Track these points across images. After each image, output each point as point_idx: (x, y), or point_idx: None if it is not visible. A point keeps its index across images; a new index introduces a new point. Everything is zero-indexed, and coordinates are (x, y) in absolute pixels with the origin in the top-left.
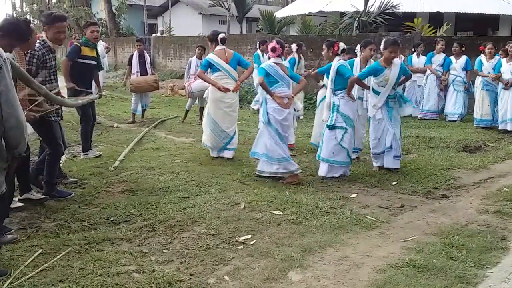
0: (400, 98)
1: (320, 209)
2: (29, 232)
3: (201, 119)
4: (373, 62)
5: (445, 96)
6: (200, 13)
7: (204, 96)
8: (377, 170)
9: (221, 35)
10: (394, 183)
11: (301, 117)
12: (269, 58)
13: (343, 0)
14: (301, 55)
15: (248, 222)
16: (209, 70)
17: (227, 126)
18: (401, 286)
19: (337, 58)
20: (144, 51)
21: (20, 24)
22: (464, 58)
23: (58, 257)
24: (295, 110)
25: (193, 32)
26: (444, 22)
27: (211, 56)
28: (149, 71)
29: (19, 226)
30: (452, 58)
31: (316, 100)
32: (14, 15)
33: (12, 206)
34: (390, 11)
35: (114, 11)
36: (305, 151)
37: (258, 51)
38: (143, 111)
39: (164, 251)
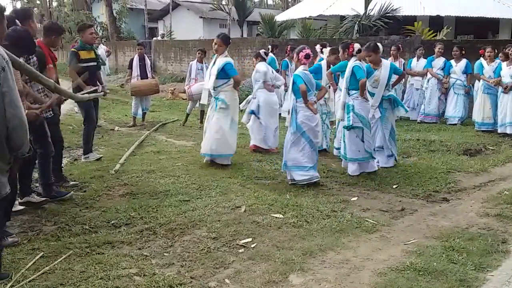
0: (394, 101)
1: (321, 212)
2: (30, 235)
3: (201, 122)
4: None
5: (446, 99)
6: (201, 17)
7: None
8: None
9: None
10: (394, 186)
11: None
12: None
13: (343, 3)
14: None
15: (248, 225)
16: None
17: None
18: None
19: (353, 58)
20: (145, 55)
21: (24, 36)
22: (464, 61)
23: (59, 260)
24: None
25: (193, 35)
26: (444, 25)
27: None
28: (149, 74)
29: (20, 229)
30: (452, 61)
31: None
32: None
33: (13, 209)
34: (391, 14)
35: (115, 15)
36: None
37: (271, 55)
38: (144, 114)
39: (165, 254)
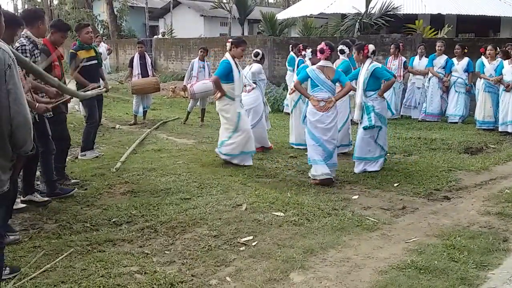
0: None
1: (322, 210)
2: (31, 233)
3: (202, 120)
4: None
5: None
6: (202, 15)
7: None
8: None
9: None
10: (395, 184)
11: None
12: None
13: (344, 2)
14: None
15: (249, 223)
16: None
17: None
18: (403, 287)
19: (368, 60)
20: (145, 53)
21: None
22: (466, 60)
23: (60, 258)
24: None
25: (194, 34)
26: (445, 24)
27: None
28: (150, 73)
29: (21, 227)
30: (454, 60)
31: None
32: None
33: (14, 207)
34: (392, 13)
35: (115, 13)
36: (306, 153)
37: (292, 54)
38: (145, 112)
39: (166, 252)
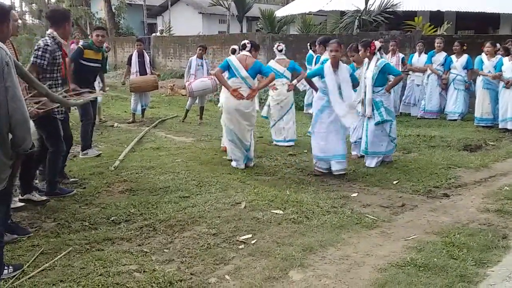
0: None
1: (321, 208)
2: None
3: (201, 118)
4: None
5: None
6: (200, 12)
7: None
8: (356, 158)
9: (242, 42)
10: (395, 182)
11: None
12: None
13: None
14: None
15: (248, 221)
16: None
17: (243, 136)
18: (402, 285)
19: (375, 56)
20: (144, 51)
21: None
22: (465, 57)
23: (58, 256)
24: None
25: (193, 31)
26: (444, 20)
27: (231, 59)
28: (148, 71)
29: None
30: (453, 57)
31: None
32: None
33: (12, 206)
34: (391, 10)
35: (113, 10)
36: (305, 151)
37: (311, 52)
38: (143, 110)
39: (165, 250)
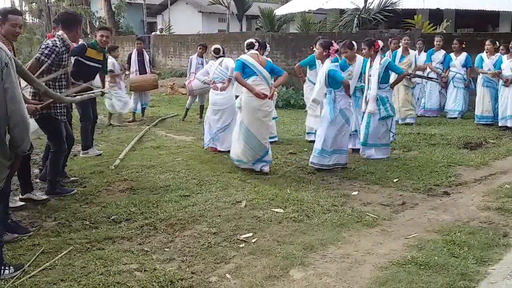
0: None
1: (321, 206)
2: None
3: (201, 117)
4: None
5: (446, 93)
6: (200, 11)
7: (237, 104)
8: (350, 151)
9: (249, 40)
10: (395, 180)
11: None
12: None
13: None
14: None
15: (249, 220)
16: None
17: (263, 138)
18: (403, 283)
19: (378, 55)
20: (143, 49)
21: None
22: (464, 55)
23: (59, 256)
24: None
25: (192, 30)
26: (444, 19)
27: (245, 57)
28: (148, 70)
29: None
30: (452, 55)
31: None
32: None
33: (13, 205)
34: (390, 8)
35: (113, 9)
36: (305, 149)
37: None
38: (143, 109)
39: (166, 249)
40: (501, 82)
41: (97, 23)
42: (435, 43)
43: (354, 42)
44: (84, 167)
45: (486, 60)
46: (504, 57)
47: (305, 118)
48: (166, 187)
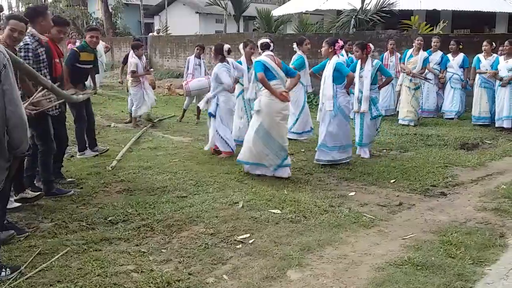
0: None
1: (319, 207)
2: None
3: (198, 118)
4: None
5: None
6: (197, 12)
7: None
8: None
9: (263, 40)
10: (392, 181)
11: None
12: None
13: None
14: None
15: (246, 221)
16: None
17: (284, 141)
18: (400, 284)
19: (369, 57)
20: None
21: None
22: (461, 55)
23: (56, 257)
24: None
25: (190, 31)
26: (440, 19)
27: (265, 59)
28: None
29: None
30: (449, 55)
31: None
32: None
33: (9, 206)
34: (387, 9)
35: (110, 10)
36: (302, 150)
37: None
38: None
39: (163, 250)
40: (498, 83)
41: (94, 24)
42: (432, 44)
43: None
44: (80, 168)
45: (484, 61)
46: (501, 58)
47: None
48: (163, 188)
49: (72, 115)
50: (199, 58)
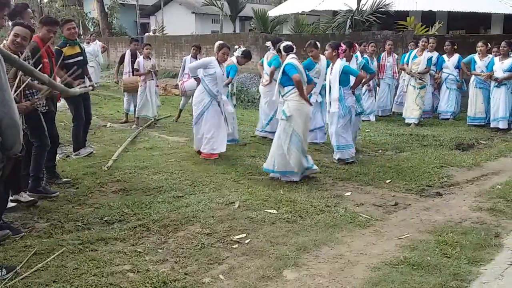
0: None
1: (315, 207)
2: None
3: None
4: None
5: (439, 94)
6: (193, 12)
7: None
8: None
9: (286, 43)
10: (388, 181)
11: None
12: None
13: None
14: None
15: (242, 221)
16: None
17: (307, 143)
18: (396, 283)
19: (354, 56)
20: (137, 51)
21: None
22: (456, 56)
23: (52, 257)
24: None
25: (186, 31)
26: (436, 20)
27: (295, 62)
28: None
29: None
30: (445, 56)
31: None
32: None
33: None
34: (383, 9)
35: (106, 10)
36: None
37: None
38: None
39: (159, 250)
40: (493, 83)
41: (90, 24)
42: (428, 45)
43: (318, 42)
44: (76, 168)
45: (479, 62)
46: (496, 59)
47: None
48: (159, 188)
49: (71, 113)
50: (196, 58)
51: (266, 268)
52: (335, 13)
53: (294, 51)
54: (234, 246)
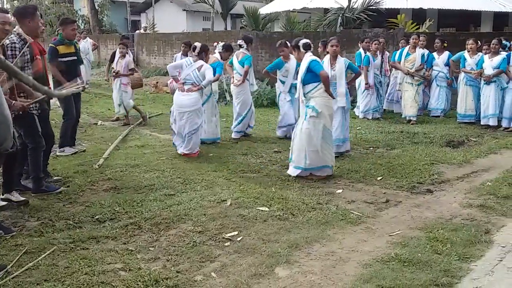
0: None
1: (306, 205)
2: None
3: None
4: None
5: (429, 92)
6: (184, 10)
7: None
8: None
9: (305, 40)
10: (379, 178)
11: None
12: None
13: None
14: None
15: (234, 218)
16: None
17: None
18: (387, 280)
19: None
20: (128, 48)
21: None
22: (446, 53)
23: (43, 256)
24: None
25: (177, 28)
26: (427, 18)
27: (318, 59)
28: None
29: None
30: (435, 54)
31: None
32: None
33: None
34: (374, 7)
35: (96, 7)
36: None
37: (361, 50)
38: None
39: (150, 248)
40: (483, 81)
41: (80, 21)
42: (419, 42)
43: (288, 42)
44: (67, 167)
45: (469, 60)
46: (486, 57)
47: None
48: (151, 186)
49: (62, 110)
50: (186, 55)
51: (258, 266)
52: (326, 10)
53: (312, 48)
54: (226, 244)
